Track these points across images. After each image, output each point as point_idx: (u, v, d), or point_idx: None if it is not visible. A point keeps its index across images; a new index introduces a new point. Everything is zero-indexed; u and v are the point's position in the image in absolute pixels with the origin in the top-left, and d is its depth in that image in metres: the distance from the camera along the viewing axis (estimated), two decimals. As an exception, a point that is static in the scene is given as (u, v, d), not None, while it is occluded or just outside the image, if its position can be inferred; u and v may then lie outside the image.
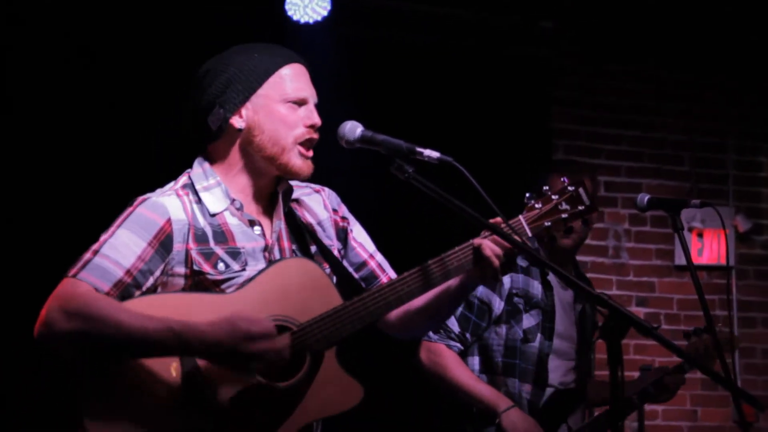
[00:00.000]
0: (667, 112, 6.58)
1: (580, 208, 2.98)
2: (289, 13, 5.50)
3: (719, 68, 6.58)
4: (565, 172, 4.28)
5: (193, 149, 3.03)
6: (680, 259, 6.41)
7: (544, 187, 2.99)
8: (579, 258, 6.20)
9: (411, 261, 2.96)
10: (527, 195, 2.98)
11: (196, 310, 2.77)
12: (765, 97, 6.69)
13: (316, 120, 2.95)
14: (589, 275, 6.03)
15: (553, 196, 2.97)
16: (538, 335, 4.23)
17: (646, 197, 3.86)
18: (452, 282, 2.94)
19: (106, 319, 2.67)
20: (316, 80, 3.05)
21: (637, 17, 6.22)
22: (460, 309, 4.19)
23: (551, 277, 4.29)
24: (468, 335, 4.21)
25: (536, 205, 2.96)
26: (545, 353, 4.24)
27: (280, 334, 2.76)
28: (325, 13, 5.50)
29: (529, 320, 4.23)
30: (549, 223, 2.95)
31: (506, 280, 4.22)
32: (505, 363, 4.24)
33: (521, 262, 4.27)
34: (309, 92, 2.98)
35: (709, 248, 6.46)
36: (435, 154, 2.76)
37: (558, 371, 4.28)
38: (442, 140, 3.31)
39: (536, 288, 4.25)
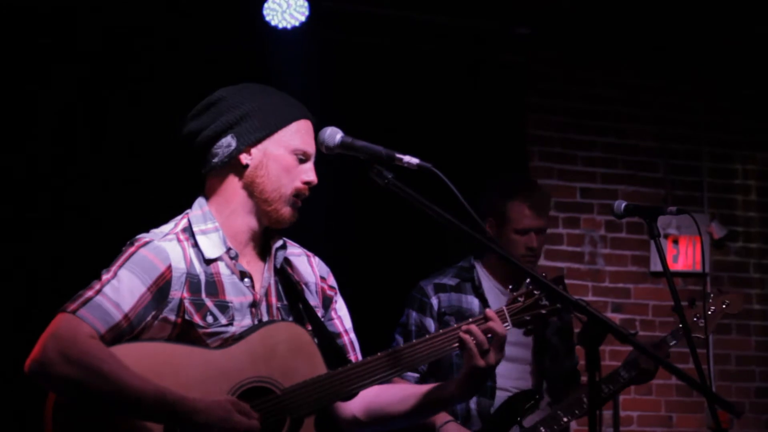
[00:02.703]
0: (641, 119, 6.61)
1: (558, 305, 3.07)
2: (267, 18, 5.49)
3: (693, 75, 6.62)
4: (526, 201, 4.40)
5: (191, 178, 3.04)
6: (656, 266, 6.44)
7: (527, 280, 3.06)
8: (556, 264, 6.25)
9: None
10: (509, 287, 3.10)
11: (186, 365, 2.78)
12: (739, 104, 6.74)
13: (314, 179, 2.99)
14: (565, 281, 6.04)
15: (535, 291, 3.05)
16: None
17: (623, 204, 3.88)
18: (434, 391, 3.00)
19: (105, 375, 2.66)
20: (294, 85, 3.08)
21: (611, 24, 6.24)
22: (401, 339, 4.31)
23: (487, 290, 4.37)
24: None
25: (519, 298, 3.05)
26: None
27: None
28: (303, 18, 5.49)
29: None
30: (529, 317, 3.05)
31: (434, 301, 4.36)
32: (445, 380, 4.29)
33: (449, 281, 4.40)
34: (313, 150, 3.01)
35: (684, 255, 6.49)
36: (414, 161, 2.77)
37: (510, 376, 4.33)
38: (417, 145, 3.33)
39: (471, 302, 4.34)
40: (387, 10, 5.85)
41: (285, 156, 2.95)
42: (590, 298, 6.30)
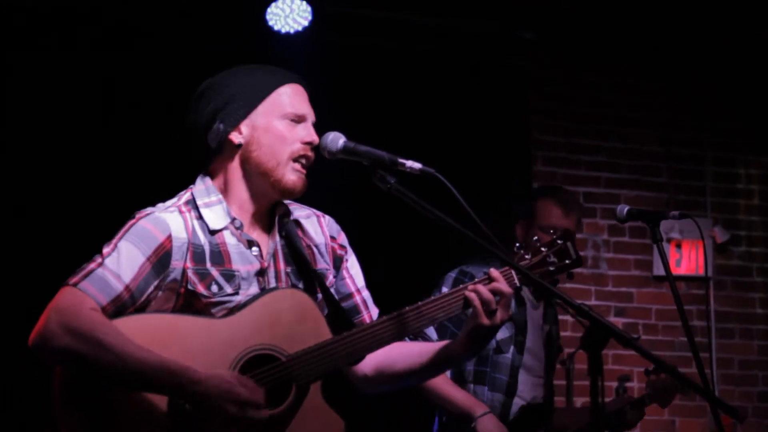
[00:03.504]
0: (644, 123, 6.61)
1: (566, 261, 3.03)
2: (271, 23, 5.50)
3: (696, 78, 6.62)
4: (554, 199, 4.40)
5: (193, 165, 3.04)
6: (659, 270, 6.44)
7: (534, 238, 3.05)
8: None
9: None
10: (516, 245, 3.03)
11: (189, 335, 2.79)
12: (742, 108, 6.74)
13: (314, 138, 2.95)
14: (568, 285, 6.05)
15: (542, 248, 3.01)
16: (512, 347, 4.29)
17: (626, 208, 3.88)
18: (440, 350, 2.97)
19: (107, 345, 2.67)
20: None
21: (613, 27, 6.25)
22: None
23: (524, 293, 4.34)
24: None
25: (525, 256, 3.00)
26: (516, 366, 4.30)
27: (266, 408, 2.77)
28: (306, 23, 5.51)
29: (503, 331, 4.28)
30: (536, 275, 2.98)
31: None
32: (477, 371, 4.29)
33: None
34: (307, 111, 2.98)
35: (687, 259, 6.49)
36: (417, 165, 2.77)
37: (526, 385, 4.34)
38: (421, 149, 3.34)
39: None
40: (389, 13, 5.86)
41: (275, 124, 2.93)
42: (593, 302, 6.31)
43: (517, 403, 4.30)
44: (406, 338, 3.02)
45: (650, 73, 6.59)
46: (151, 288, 2.83)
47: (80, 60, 5.31)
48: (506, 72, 6.20)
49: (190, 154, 3.02)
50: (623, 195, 6.48)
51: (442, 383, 4.18)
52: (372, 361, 3.02)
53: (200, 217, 2.92)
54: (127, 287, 2.78)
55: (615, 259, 6.48)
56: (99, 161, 5.25)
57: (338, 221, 3.19)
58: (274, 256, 2.98)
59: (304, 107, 2.99)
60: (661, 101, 6.64)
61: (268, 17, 5.50)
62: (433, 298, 2.94)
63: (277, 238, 2.99)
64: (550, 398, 4.43)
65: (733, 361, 6.59)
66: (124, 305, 2.79)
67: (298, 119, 2.96)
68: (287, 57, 5.46)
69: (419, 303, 2.94)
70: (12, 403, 4.96)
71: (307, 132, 2.96)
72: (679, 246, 6.48)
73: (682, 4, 6.03)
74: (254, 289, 2.91)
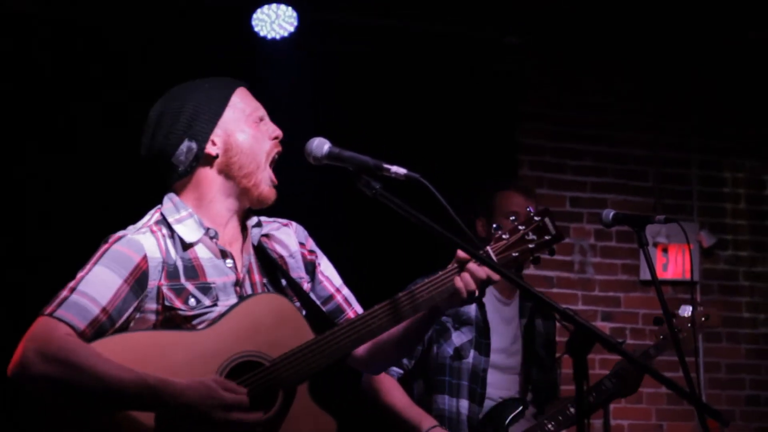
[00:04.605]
0: (631, 128, 6.62)
1: (546, 237, 2.99)
2: (256, 29, 5.50)
3: (683, 82, 6.64)
4: (513, 188, 4.42)
5: (157, 184, 3.05)
6: (645, 274, 6.45)
7: (511, 218, 3.01)
8: (545, 273, 6.26)
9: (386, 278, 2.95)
10: (494, 226, 3.00)
11: (170, 350, 2.79)
12: (728, 112, 6.76)
13: (279, 132, 3.03)
14: (555, 290, 6.07)
15: (520, 227, 2.97)
16: (472, 351, 4.28)
17: (611, 213, 3.89)
18: (421, 312, 2.96)
19: (84, 368, 2.67)
20: (283, 96, 3.10)
21: (602, 33, 6.26)
22: None
23: (491, 290, 4.30)
24: (404, 359, 4.27)
25: (503, 236, 2.97)
26: (481, 368, 4.29)
27: (253, 410, 2.76)
28: (291, 29, 5.51)
29: (460, 337, 4.29)
30: (516, 254, 2.96)
31: None
32: (435, 380, 4.30)
33: None
34: (262, 109, 3.06)
35: (674, 263, 6.50)
36: (402, 171, 2.77)
37: (499, 385, 4.33)
38: (408, 155, 3.33)
39: (469, 307, 4.28)
40: (377, 20, 5.86)
41: (245, 125, 2.99)
42: (580, 307, 6.31)
43: (489, 404, 4.28)
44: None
45: (636, 77, 6.61)
46: (131, 309, 2.84)
47: (62, 68, 5.30)
48: (493, 77, 6.21)
49: (153, 176, 3.02)
50: (610, 199, 6.49)
51: (397, 402, 4.21)
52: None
53: (172, 235, 2.93)
54: (104, 309, 2.78)
55: (602, 264, 6.48)
56: (75, 174, 5.24)
57: (322, 227, 3.19)
58: (249, 268, 2.99)
59: (260, 107, 3.06)
60: (648, 105, 6.65)
61: (254, 23, 5.50)
62: (411, 289, 2.92)
63: (251, 250, 3.01)
64: (528, 389, 4.39)
65: (720, 365, 6.60)
66: (102, 328, 2.78)
67: (260, 119, 3.02)
68: (273, 63, 5.47)
69: (400, 294, 2.92)
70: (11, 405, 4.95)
71: (271, 128, 3.03)
72: (665, 250, 6.48)
73: (669, 9, 6.04)
74: (233, 299, 2.92)
